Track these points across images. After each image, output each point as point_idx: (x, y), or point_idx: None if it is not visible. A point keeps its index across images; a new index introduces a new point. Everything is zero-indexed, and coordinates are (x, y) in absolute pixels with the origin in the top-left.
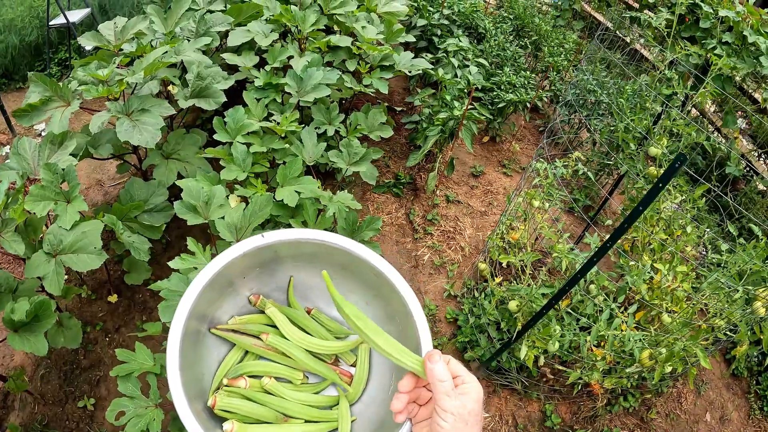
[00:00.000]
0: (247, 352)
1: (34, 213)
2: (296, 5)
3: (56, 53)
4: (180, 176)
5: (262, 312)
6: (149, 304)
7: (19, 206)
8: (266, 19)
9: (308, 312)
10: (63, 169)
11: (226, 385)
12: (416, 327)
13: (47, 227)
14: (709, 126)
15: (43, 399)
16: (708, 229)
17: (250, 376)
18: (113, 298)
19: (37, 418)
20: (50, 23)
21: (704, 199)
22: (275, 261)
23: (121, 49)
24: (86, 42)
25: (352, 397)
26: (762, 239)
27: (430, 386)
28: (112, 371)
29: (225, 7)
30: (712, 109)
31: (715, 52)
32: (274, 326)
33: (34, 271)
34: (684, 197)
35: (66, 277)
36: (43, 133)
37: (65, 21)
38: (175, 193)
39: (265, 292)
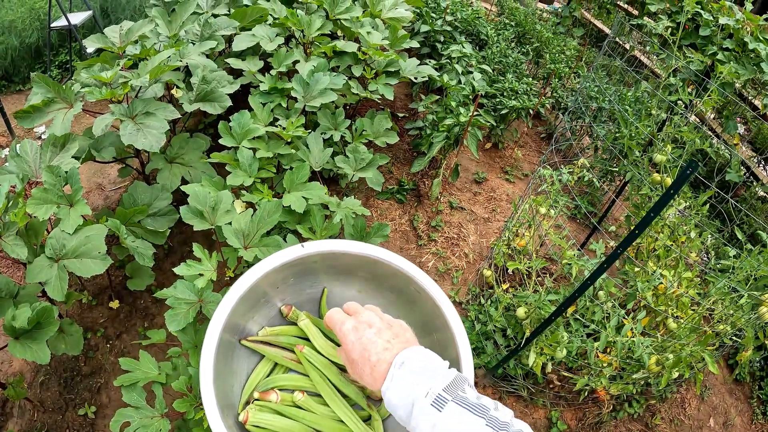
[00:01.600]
0: (276, 364)
1: (36, 216)
2: (301, 10)
3: (57, 56)
4: (184, 181)
5: (294, 323)
6: (151, 310)
7: (20, 209)
8: (271, 23)
9: None
10: (66, 172)
11: (256, 399)
12: (458, 347)
13: (48, 231)
14: (709, 132)
15: (43, 406)
16: (710, 235)
17: (280, 390)
18: (115, 304)
19: (36, 426)
20: (51, 25)
21: (707, 205)
22: (312, 272)
23: (125, 52)
24: (91, 44)
25: (384, 412)
26: None
27: None
28: (116, 381)
29: (229, 10)
30: (712, 116)
31: (717, 58)
32: (306, 338)
33: (36, 276)
34: (688, 203)
35: (68, 281)
36: (43, 136)
37: (66, 23)
38: (177, 197)
39: (297, 303)
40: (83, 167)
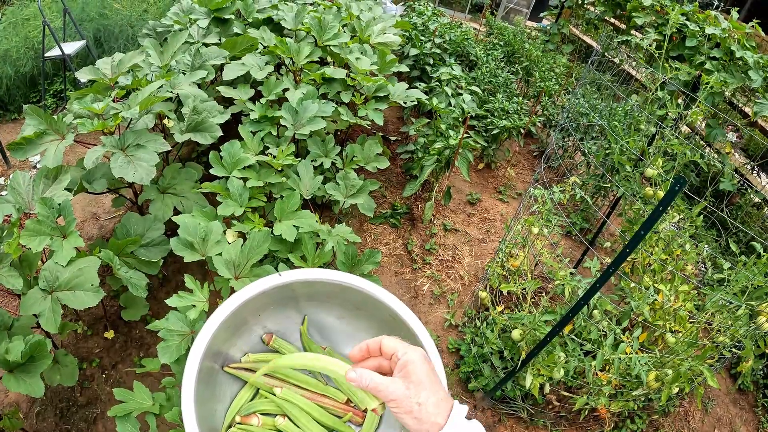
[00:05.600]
0: (259, 389)
1: (29, 248)
2: (291, 37)
3: (51, 85)
4: (176, 211)
5: (275, 351)
6: (146, 340)
7: (14, 240)
8: (260, 52)
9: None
10: (59, 204)
11: (238, 423)
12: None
13: (42, 263)
14: (702, 142)
15: None
16: (707, 246)
17: (262, 414)
18: (110, 334)
19: None
20: (45, 55)
21: (701, 216)
22: (291, 299)
23: (117, 82)
24: (83, 76)
25: None
26: (764, 256)
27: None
28: (110, 411)
29: (219, 40)
30: (704, 125)
31: (705, 67)
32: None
33: (29, 308)
34: (682, 216)
35: (61, 312)
36: (38, 165)
37: (60, 53)
38: (171, 227)
39: (279, 330)
40: (78, 197)
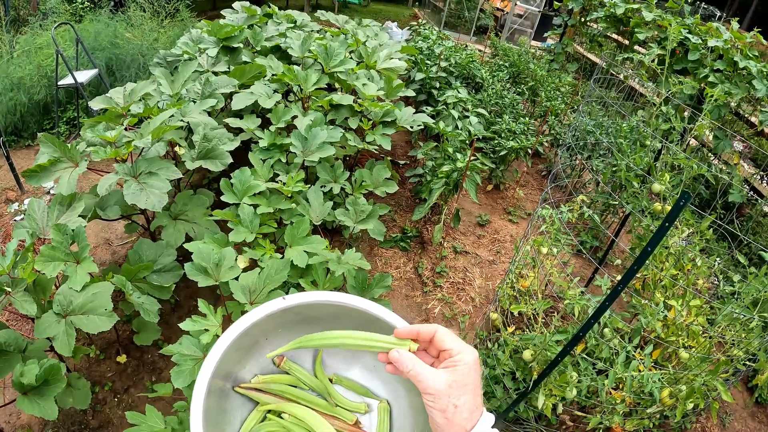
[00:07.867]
0: (269, 411)
1: (44, 273)
2: (298, 64)
3: (64, 112)
4: (188, 237)
5: (286, 372)
6: (158, 364)
7: (28, 265)
8: (269, 79)
9: (330, 381)
10: (73, 231)
11: None
12: None
13: (56, 287)
14: (710, 154)
15: None
16: (718, 259)
17: None
18: (122, 359)
19: None
20: (59, 83)
21: (711, 229)
22: (296, 322)
23: (129, 110)
24: (96, 104)
25: None
26: None
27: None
28: None
29: (228, 68)
30: (711, 137)
31: (709, 80)
32: (297, 387)
33: (44, 331)
34: (691, 230)
35: (75, 336)
36: (51, 191)
37: (73, 81)
38: (182, 253)
39: (288, 353)
40: (91, 223)
